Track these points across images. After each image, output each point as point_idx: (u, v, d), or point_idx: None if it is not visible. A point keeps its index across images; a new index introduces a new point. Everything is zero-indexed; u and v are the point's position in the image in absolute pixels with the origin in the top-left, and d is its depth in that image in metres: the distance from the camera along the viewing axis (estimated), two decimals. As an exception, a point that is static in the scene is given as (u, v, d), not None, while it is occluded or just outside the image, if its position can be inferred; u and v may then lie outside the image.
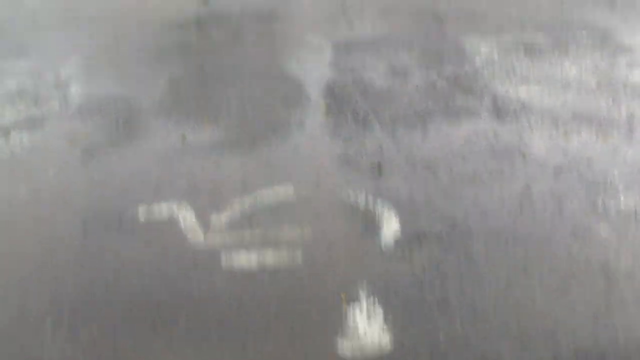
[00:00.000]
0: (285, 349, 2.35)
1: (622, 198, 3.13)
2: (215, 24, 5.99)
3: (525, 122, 3.81)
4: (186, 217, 3.13)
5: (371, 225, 3.02)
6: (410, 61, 4.81)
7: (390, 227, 3.00)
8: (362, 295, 2.59)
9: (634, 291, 2.55)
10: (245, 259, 2.84)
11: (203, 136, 3.84)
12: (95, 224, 3.12)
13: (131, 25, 6.07)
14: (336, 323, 2.44)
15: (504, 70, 4.56)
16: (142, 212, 3.18)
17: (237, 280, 2.72)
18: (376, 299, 2.56)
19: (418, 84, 4.41)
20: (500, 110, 3.96)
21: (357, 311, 2.51)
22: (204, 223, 3.09)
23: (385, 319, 2.46)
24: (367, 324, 2.45)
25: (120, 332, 2.44)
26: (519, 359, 2.27)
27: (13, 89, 4.63)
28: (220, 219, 3.12)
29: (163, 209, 3.19)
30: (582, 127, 3.75)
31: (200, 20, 6.10)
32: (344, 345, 2.36)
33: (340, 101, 4.19)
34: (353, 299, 2.57)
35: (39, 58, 5.26)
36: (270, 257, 2.85)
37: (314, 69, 4.75)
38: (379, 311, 2.50)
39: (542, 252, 2.79)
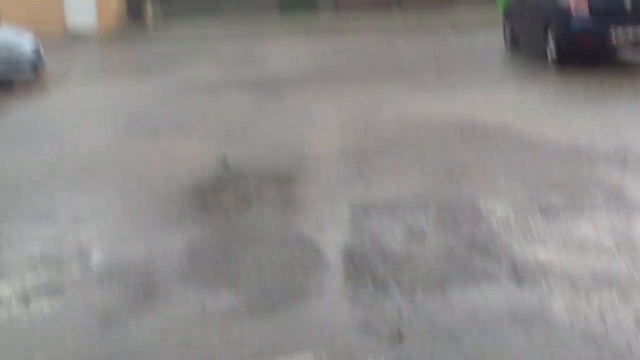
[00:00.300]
0: None
1: (650, 365, 3.05)
2: (233, 186, 6.14)
3: (545, 286, 3.79)
4: (204, 388, 3.07)
5: (393, 396, 2.94)
6: (427, 222, 4.86)
7: (413, 398, 2.93)
8: None
9: None
10: None
11: (221, 302, 3.84)
12: (111, 396, 3.07)
13: (151, 187, 6.25)
14: None
15: (521, 231, 4.59)
16: (159, 383, 3.13)
17: None
18: None
19: (435, 247, 4.44)
20: (519, 274, 3.95)
21: None
22: (222, 394, 3.03)
23: None
24: None
25: None
26: None
27: (35, 254, 4.70)
28: (239, 390, 3.05)
29: (180, 380, 3.14)
30: (604, 290, 3.71)
31: (219, 183, 6.26)
32: None
33: (359, 265, 4.20)
34: None
35: (61, 221, 5.37)
36: None
37: (331, 231, 4.81)
38: None
39: None
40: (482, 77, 12.04)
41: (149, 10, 25.18)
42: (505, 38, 15.63)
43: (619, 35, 11.94)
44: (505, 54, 15.09)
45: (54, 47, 17.83)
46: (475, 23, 21.33)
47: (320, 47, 17.07)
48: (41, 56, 13.70)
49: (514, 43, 15.06)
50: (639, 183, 5.51)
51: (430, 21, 21.97)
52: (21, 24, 15.64)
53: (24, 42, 13.44)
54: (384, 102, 10.25)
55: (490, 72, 12.65)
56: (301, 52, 16.51)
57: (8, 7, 21.69)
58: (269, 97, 11.29)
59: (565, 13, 12.13)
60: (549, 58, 12.70)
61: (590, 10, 11.93)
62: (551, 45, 12.58)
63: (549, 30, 12.65)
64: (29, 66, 13.36)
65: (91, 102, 11.93)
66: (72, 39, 22.63)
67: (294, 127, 8.69)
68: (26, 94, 12.89)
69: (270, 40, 19.13)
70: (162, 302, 3.89)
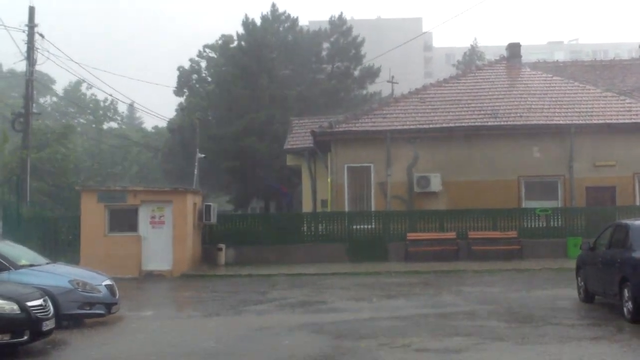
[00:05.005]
0: None
1: None
2: None
3: None
4: None
5: None
6: None
7: None
8: None
9: None
10: None
11: None
12: None
13: None
14: None
15: None
16: None
17: None
18: None
19: None
20: None
21: None
22: None
23: None
24: None
25: None
26: None
27: None
28: None
29: None
30: None
31: None
32: None
33: None
34: None
35: None
36: None
37: None
38: None
39: None
40: (555, 333, 11.60)
41: (222, 256, 25.96)
42: (578, 290, 15.28)
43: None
44: (579, 305, 14.67)
45: (127, 285, 18.30)
46: (548, 273, 21.12)
47: (386, 298, 17.01)
48: (115, 295, 14.06)
49: (587, 294, 14.67)
50: None
51: (502, 272, 21.82)
52: (100, 267, 16.23)
53: (99, 283, 13.89)
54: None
55: (564, 327, 12.19)
56: (366, 301, 16.47)
57: (88, 255, 22.74)
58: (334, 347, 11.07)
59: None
60: (625, 313, 12.27)
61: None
62: (628, 303, 12.19)
63: (624, 287, 12.33)
64: (103, 304, 13.67)
65: (154, 341, 11.92)
66: (146, 276, 23.30)
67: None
68: (96, 329, 13.05)
69: (337, 287, 19.24)
70: None
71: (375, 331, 12.12)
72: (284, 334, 12.18)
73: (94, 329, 13.11)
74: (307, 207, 33.30)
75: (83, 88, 69.53)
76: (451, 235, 26.12)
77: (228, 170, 43.19)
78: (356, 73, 50.34)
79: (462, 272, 22.30)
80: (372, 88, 50.83)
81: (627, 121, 27.35)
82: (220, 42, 55.02)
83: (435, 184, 27.04)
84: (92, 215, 23.93)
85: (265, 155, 41.18)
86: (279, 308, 15.62)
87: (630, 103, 28.76)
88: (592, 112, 28.17)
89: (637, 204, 26.76)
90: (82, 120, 70.66)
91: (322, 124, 29.43)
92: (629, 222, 13.66)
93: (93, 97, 71.88)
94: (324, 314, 14.57)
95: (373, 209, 27.63)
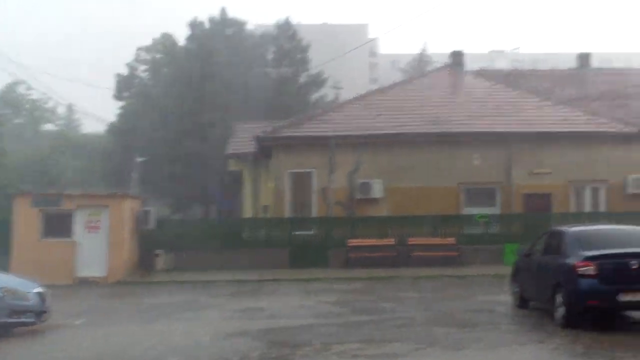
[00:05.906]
0: None
1: None
2: None
3: None
4: None
5: None
6: None
7: None
8: None
9: None
10: None
11: None
12: None
13: None
14: None
15: None
16: None
17: None
18: None
19: None
20: None
21: None
22: None
23: None
24: None
25: None
26: None
27: None
28: None
29: None
30: None
31: None
32: None
33: None
34: None
35: None
36: None
37: None
38: None
39: None
40: (491, 338, 11.69)
41: (160, 262, 25.50)
42: (513, 296, 15.43)
43: (623, 298, 11.74)
44: (514, 310, 14.82)
45: (60, 293, 17.79)
46: (485, 279, 21.32)
47: (326, 304, 16.93)
48: (46, 303, 13.63)
49: (522, 300, 14.83)
50: None
51: (440, 279, 21.96)
52: (33, 274, 15.65)
53: (29, 290, 13.45)
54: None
55: (500, 332, 12.30)
56: (305, 307, 16.36)
57: (20, 261, 21.93)
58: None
59: (574, 276, 12.04)
60: (558, 319, 12.42)
61: (598, 272, 11.83)
62: (560, 308, 12.34)
63: (557, 292, 12.48)
64: (32, 312, 13.25)
65: (82, 351, 11.59)
66: (80, 283, 22.72)
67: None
68: (24, 338, 12.64)
69: (278, 293, 19.09)
70: None
71: (312, 337, 12.02)
72: (219, 342, 11.97)
73: (22, 339, 12.70)
74: (247, 212, 33.04)
75: (21, 89, 67.83)
76: (390, 241, 26.18)
77: (169, 175, 42.56)
78: (302, 79, 50.31)
79: (401, 278, 22.37)
80: (316, 93, 50.88)
81: (563, 130, 27.91)
82: (161, 40, 54.26)
83: (377, 190, 27.12)
84: (26, 219, 23.27)
85: (206, 160, 40.73)
86: (216, 315, 15.37)
87: (566, 112, 29.36)
88: (531, 120, 28.67)
89: (572, 210, 27.33)
90: (19, 121, 68.70)
91: (266, 129, 29.26)
92: (563, 228, 13.85)
93: (29, 97, 70.11)
94: (263, 320, 14.40)
95: (315, 215, 27.57)
